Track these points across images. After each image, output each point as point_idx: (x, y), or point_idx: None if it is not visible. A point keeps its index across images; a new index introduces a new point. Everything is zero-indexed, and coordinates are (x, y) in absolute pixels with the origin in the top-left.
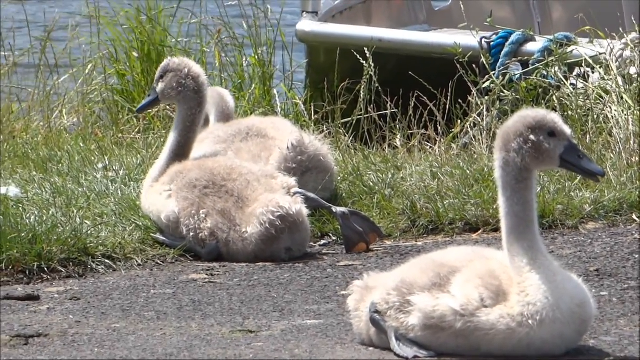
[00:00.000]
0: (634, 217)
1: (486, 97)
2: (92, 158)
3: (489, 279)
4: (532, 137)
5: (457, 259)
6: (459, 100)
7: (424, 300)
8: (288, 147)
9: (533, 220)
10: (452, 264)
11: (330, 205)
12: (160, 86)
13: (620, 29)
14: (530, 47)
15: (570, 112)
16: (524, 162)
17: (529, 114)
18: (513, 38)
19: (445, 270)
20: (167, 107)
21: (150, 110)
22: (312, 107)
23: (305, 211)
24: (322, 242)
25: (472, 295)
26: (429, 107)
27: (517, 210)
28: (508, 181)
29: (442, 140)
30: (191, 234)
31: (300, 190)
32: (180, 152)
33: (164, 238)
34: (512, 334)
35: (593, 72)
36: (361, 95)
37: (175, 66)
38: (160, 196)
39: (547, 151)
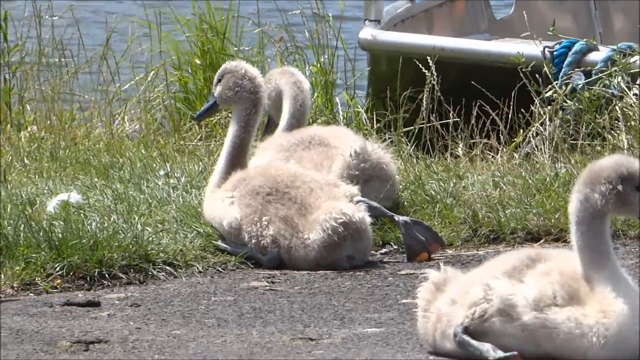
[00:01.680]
0: None
1: (549, 107)
2: (154, 165)
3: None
4: (620, 187)
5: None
6: (522, 110)
7: (502, 286)
8: (351, 155)
9: (610, 252)
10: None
11: (393, 214)
12: (217, 89)
13: None
14: (593, 56)
15: (633, 123)
16: (606, 207)
17: (624, 163)
18: (576, 47)
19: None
20: (229, 114)
21: (210, 118)
22: (374, 116)
23: (368, 219)
24: (384, 250)
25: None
26: (491, 117)
27: (594, 244)
28: (584, 217)
29: (504, 149)
30: (253, 241)
31: (363, 199)
32: (237, 154)
33: (225, 245)
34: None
35: None
36: (423, 104)
37: (232, 68)
38: (222, 203)
39: (631, 204)
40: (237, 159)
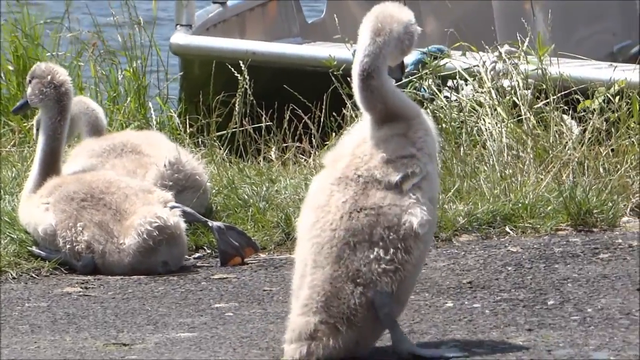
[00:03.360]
0: (507, 229)
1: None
2: None
3: None
4: None
5: None
6: (334, 113)
7: None
8: (165, 165)
9: None
10: None
11: (207, 219)
12: (28, 91)
13: (495, 42)
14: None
15: (444, 125)
16: None
17: None
18: None
19: None
20: None
21: (22, 117)
22: (187, 120)
23: (183, 224)
24: (197, 255)
25: None
26: (303, 120)
27: None
28: None
29: (316, 153)
30: (67, 246)
31: (177, 205)
32: (49, 161)
33: (40, 251)
34: None
35: (466, 85)
36: (236, 109)
37: (40, 72)
38: (37, 209)
39: None
40: (50, 166)
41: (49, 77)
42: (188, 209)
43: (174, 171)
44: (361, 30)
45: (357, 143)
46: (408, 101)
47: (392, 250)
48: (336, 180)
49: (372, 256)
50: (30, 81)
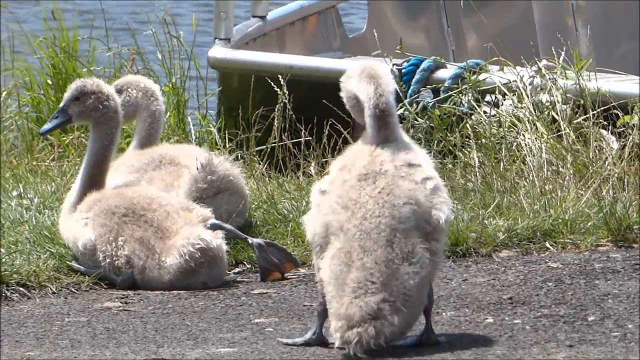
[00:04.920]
0: (547, 245)
1: (400, 125)
2: (7, 186)
3: None
4: None
5: None
6: None
7: None
8: (197, 168)
9: None
10: None
11: (247, 236)
12: (76, 108)
13: (536, 57)
14: (442, 74)
15: (484, 140)
16: None
17: None
18: (424, 65)
19: None
20: (82, 135)
21: (62, 131)
22: (227, 135)
23: (225, 247)
24: (237, 270)
25: None
26: (343, 135)
27: None
28: None
29: None
30: (107, 260)
31: (217, 222)
32: (96, 174)
33: (79, 265)
34: None
35: (505, 100)
36: (275, 123)
37: (96, 88)
38: (77, 224)
39: None
40: (95, 179)
41: (106, 91)
42: (228, 226)
43: (207, 173)
44: (353, 81)
45: (369, 151)
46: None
47: (429, 238)
48: (362, 176)
49: (419, 240)
50: (77, 98)
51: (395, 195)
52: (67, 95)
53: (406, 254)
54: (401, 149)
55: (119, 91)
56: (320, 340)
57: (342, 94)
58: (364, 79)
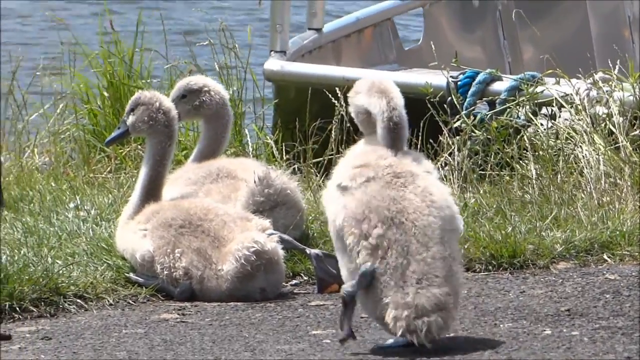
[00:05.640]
0: (605, 257)
1: (457, 137)
2: (64, 197)
3: None
4: None
5: None
6: (430, 140)
7: None
8: (255, 181)
9: None
10: None
11: (304, 247)
12: (130, 119)
13: (593, 69)
14: (497, 86)
15: (541, 152)
16: None
17: None
18: (480, 78)
19: None
20: (139, 147)
21: (119, 144)
22: (284, 147)
23: (281, 251)
24: (294, 281)
25: None
26: None
27: None
28: None
29: None
30: (165, 272)
31: (275, 232)
32: (152, 187)
33: (137, 277)
34: None
35: (561, 112)
36: (332, 135)
37: (147, 100)
38: (135, 235)
39: None
40: (152, 192)
41: (157, 104)
42: (286, 236)
43: (264, 186)
44: (362, 97)
45: (387, 153)
46: None
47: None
48: (395, 174)
49: (456, 242)
50: (133, 109)
51: (436, 197)
52: (127, 106)
53: (455, 253)
54: (416, 157)
55: (195, 91)
56: (351, 334)
57: (350, 109)
58: (375, 93)
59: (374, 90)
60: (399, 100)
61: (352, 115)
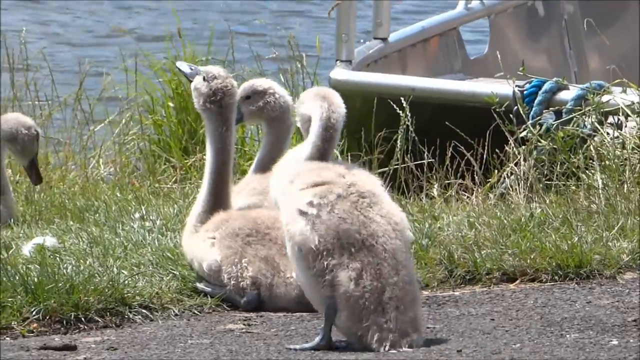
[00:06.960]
0: None
1: (523, 147)
2: (129, 208)
3: None
4: None
5: None
6: (496, 150)
7: None
8: None
9: None
10: None
11: None
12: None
13: None
14: (563, 95)
15: (607, 162)
16: None
17: None
18: (546, 87)
19: None
20: (203, 156)
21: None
22: (349, 157)
23: None
24: None
25: None
26: (465, 157)
27: None
28: None
29: (479, 189)
30: (232, 282)
31: None
32: (219, 193)
33: (204, 286)
34: None
35: (627, 121)
36: (398, 145)
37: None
38: (203, 243)
39: None
40: (220, 197)
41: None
42: None
43: None
44: (307, 105)
45: (335, 167)
46: None
47: None
48: (360, 193)
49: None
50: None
51: (396, 218)
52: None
53: (412, 274)
54: (355, 168)
55: (260, 92)
56: (329, 345)
57: (296, 119)
58: (317, 100)
59: (317, 97)
60: (340, 109)
61: (299, 125)
